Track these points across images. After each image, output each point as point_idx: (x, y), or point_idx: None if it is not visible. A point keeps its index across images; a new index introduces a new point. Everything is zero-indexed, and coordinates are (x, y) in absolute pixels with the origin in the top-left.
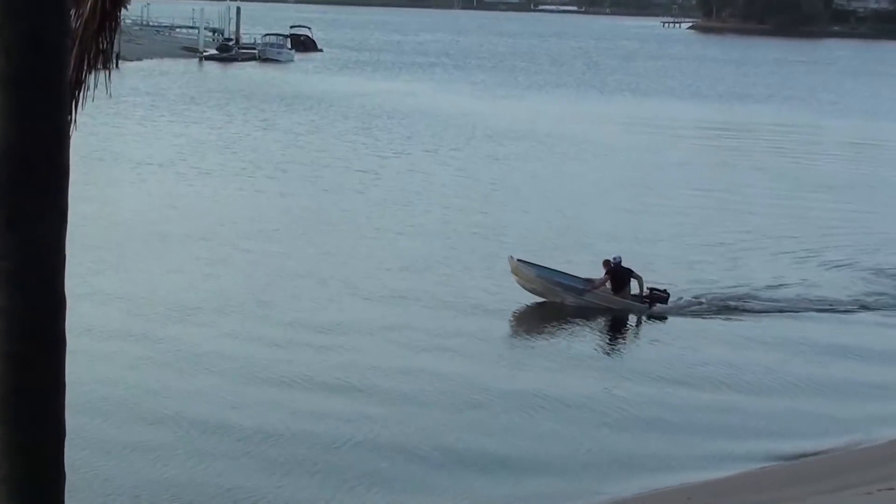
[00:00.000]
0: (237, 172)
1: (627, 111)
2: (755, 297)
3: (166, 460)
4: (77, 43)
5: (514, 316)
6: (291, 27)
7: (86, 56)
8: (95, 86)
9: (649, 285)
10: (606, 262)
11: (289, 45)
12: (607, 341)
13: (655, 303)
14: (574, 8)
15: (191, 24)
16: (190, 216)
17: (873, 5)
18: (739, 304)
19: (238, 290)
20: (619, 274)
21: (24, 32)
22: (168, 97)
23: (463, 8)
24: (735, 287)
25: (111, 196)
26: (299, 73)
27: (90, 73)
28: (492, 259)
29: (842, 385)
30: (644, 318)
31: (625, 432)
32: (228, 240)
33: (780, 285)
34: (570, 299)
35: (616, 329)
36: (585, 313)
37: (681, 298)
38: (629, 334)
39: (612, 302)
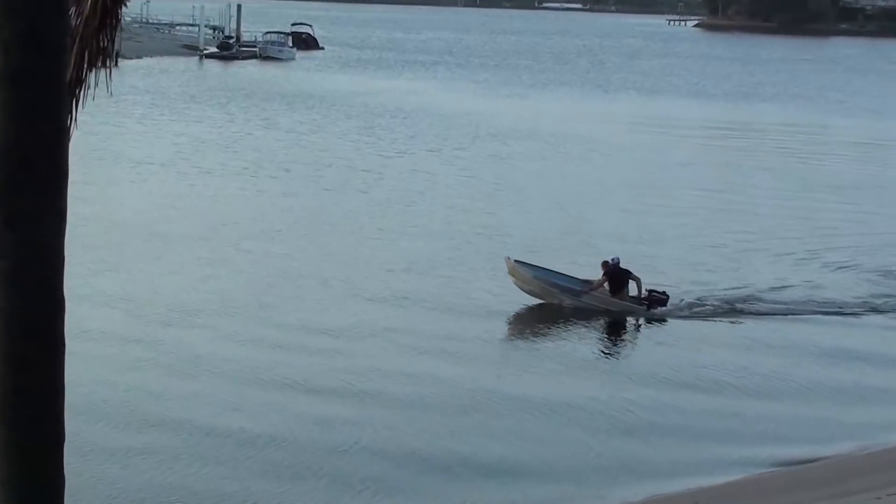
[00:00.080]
0: (238, 172)
1: (632, 110)
2: (760, 299)
3: (170, 463)
4: (77, 41)
5: (516, 318)
6: (293, 25)
7: (86, 54)
8: (96, 84)
9: (649, 287)
10: (605, 263)
11: (290, 43)
12: (610, 344)
13: (654, 305)
14: (578, 5)
15: (191, 22)
16: (191, 216)
17: (881, 3)
18: (744, 306)
19: (239, 292)
20: (616, 275)
21: (23, 31)
22: (168, 96)
23: (466, 5)
24: (739, 289)
25: (111, 196)
26: (301, 71)
27: (91, 71)
28: (496, 260)
29: (848, 389)
30: (643, 320)
31: (629, 437)
32: (230, 240)
33: (786, 287)
34: (567, 301)
35: (617, 331)
36: (585, 315)
37: (682, 300)
38: (632, 337)
39: (610, 304)
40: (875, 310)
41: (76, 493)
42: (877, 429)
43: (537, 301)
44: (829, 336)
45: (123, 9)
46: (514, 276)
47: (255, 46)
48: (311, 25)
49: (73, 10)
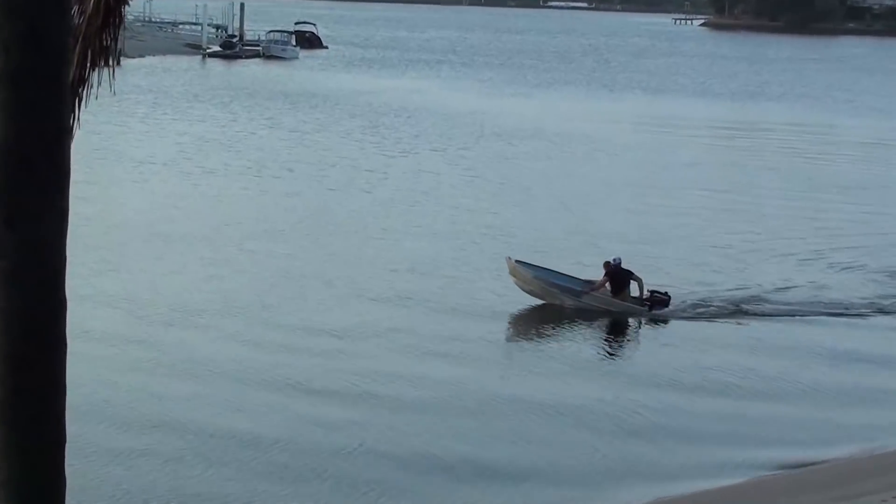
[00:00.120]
0: (241, 171)
1: (638, 109)
2: (764, 300)
3: (174, 465)
4: (80, 40)
5: (520, 318)
6: (296, 23)
7: (89, 53)
8: (99, 83)
9: (651, 287)
10: (606, 264)
11: (293, 42)
12: (614, 345)
13: (656, 305)
14: (584, 4)
15: (194, 21)
16: (193, 216)
17: (889, 2)
18: (748, 307)
19: (242, 292)
20: (618, 275)
21: (24, 30)
22: (171, 95)
23: (470, 4)
24: (744, 289)
25: (114, 195)
26: (304, 70)
27: (94, 70)
28: (500, 260)
29: (853, 390)
30: (644, 321)
31: (632, 439)
32: (232, 240)
33: (791, 288)
34: (567, 301)
35: (621, 332)
36: (588, 316)
37: (686, 301)
38: (636, 338)
39: (611, 304)
40: (881, 311)
41: (80, 494)
42: (882, 431)
43: (540, 302)
44: (835, 337)
45: (126, 7)
46: (514, 276)
47: (258, 45)
48: (314, 24)
49: (75, 8)
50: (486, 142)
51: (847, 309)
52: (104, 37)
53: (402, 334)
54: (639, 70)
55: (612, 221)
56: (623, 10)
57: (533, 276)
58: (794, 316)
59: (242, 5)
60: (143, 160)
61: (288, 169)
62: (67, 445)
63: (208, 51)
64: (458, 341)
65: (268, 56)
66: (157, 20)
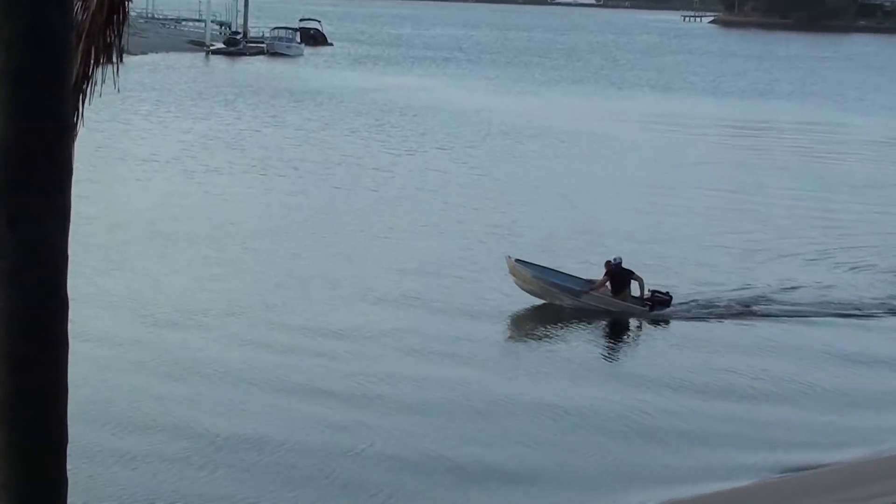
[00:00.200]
0: (246, 170)
1: (646, 107)
2: (772, 301)
3: (179, 466)
4: (84, 37)
5: (526, 319)
6: (301, 20)
7: (93, 50)
8: (102, 80)
9: (652, 287)
10: (607, 263)
11: (298, 39)
12: (620, 346)
13: (657, 305)
14: (592, 1)
15: (197, 17)
16: (197, 215)
17: None
18: (757, 307)
19: (246, 292)
20: (619, 275)
21: (24, 28)
22: (175, 92)
23: (477, 1)
24: (751, 290)
25: (116, 194)
26: (309, 67)
27: (97, 67)
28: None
29: (861, 392)
30: (644, 321)
31: (637, 442)
32: (236, 239)
33: (799, 288)
34: (567, 301)
35: (622, 334)
36: (587, 316)
37: (692, 301)
38: (642, 339)
39: (611, 304)
40: (891, 311)
41: (84, 496)
42: (890, 433)
43: (541, 301)
44: (843, 338)
45: (129, 3)
46: (514, 275)
47: (262, 42)
48: (319, 21)
49: (79, 5)
50: (493, 140)
51: (856, 310)
52: (108, 33)
53: (409, 334)
54: (647, 68)
55: (620, 220)
56: (631, 7)
57: (532, 275)
58: (802, 316)
59: (246, 2)
60: (146, 158)
61: (293, 167)
62: (69, 446)
63: (212, 48)
64: (465, 341)
65: (272, 53)
66: (161, 17)
